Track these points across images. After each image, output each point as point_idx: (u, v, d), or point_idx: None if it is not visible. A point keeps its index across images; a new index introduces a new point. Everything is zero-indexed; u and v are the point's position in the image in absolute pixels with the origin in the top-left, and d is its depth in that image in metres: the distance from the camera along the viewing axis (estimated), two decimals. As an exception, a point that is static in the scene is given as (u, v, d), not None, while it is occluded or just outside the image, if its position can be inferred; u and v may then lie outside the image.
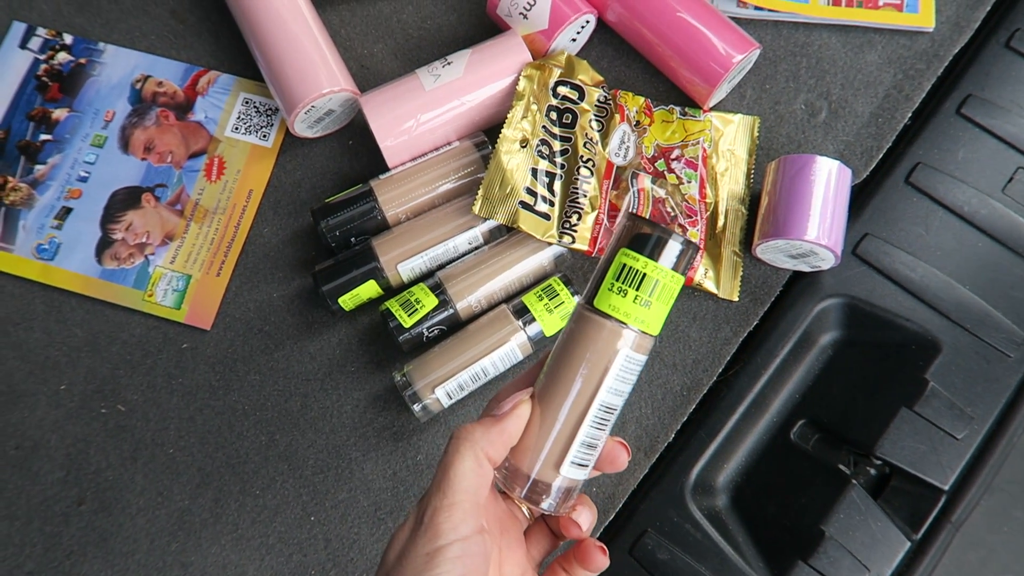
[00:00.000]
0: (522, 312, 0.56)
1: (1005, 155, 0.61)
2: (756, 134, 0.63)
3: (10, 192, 0.63)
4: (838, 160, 0.57)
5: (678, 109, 0.62)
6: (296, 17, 0.61)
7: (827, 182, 0.56)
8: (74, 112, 0.65)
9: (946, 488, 0.54)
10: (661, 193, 0.59)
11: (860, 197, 0.61)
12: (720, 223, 0.60)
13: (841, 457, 0.57)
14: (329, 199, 0.60)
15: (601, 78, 0.62)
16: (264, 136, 0.64)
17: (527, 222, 0.57)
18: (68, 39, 0.66)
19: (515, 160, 0.58)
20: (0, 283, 0.62)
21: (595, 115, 0.61)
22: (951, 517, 0.54)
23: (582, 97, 0.61)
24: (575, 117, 0.60)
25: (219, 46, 0.67)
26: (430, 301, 0.56)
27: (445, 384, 0.55)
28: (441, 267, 0.59)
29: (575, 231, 0.58)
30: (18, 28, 0.67)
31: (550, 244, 0.58)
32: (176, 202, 0.63)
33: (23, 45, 0.66)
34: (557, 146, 0.60)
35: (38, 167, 0.64)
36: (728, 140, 0.62)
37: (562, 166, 0.59)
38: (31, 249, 0.62)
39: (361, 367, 0.60)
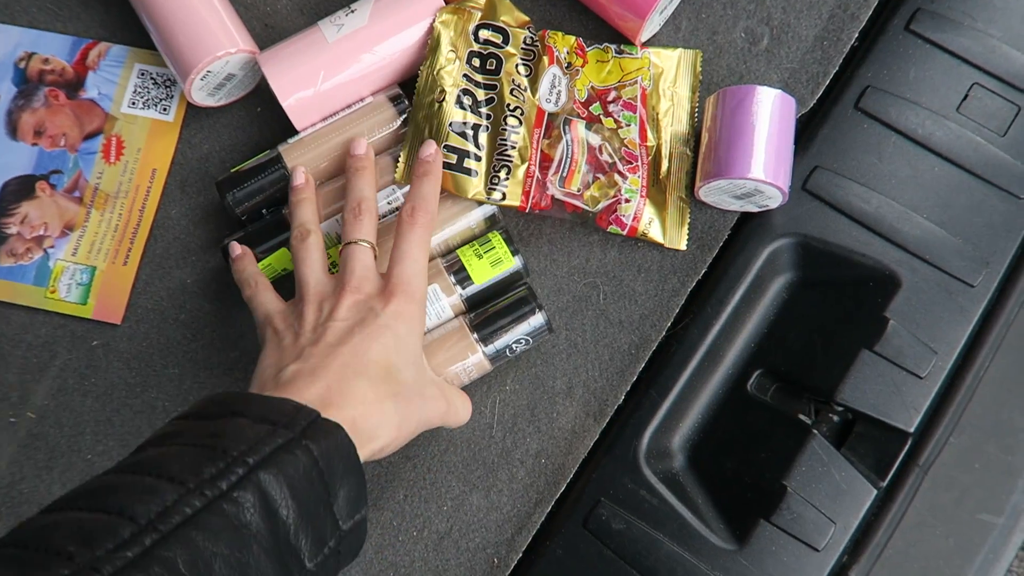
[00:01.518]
0: (450, 259, 0.53)
1: (959, 71, 0.57)
2: (699, 69, 0.58)
3: None
4: (781, 88, 0.53)
5: (613, 47, 0.58)
6: None
7: (769, 114, 0.52)
8: (-46, 98, 0.59)
9: (911, 431, 0.51)
10: (597, 140, 0.55)
11: (808, 128, 0.57)
12: (664, 167, 0.56)
13: (802, 406, 0.53)
14: (234, 168, 0.55)
15: (527, 18, 0.58)
16: (165, 110, 0.59)
17: (452, 183, 0.53)
18: (-60, 19, 0.61)
19: (434, 118, 0.54)
20: None
21: (522, 59, 0.56)
22: (919, 460, 0.51)
23: (507, 40, 0.56)
24: (500, 63, 0.56)
25: (108, 15, 0.61)
26: None
27: None
28: None
29: (505, 186, 0.54)
30: None
31: (480, 203, 0.54)
32: (74, 189, 0.58)
33: None
34: (481, 95, 0.55)
35: (-82, 161, 0.58)
36: (669, 78, 0.58)
37: (488, 116, 0.55)
38: (-83, 251, 0.57)
39: (287, 351, 0.55)
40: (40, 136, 0.59)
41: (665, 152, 0.56)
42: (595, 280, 0.56)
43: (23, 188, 0.58)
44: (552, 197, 0.54)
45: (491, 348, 0.51)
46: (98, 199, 0.58)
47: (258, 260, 0.53)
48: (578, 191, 0.54)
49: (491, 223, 0.55)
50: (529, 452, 0.53)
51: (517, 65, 0.56)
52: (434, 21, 0.55)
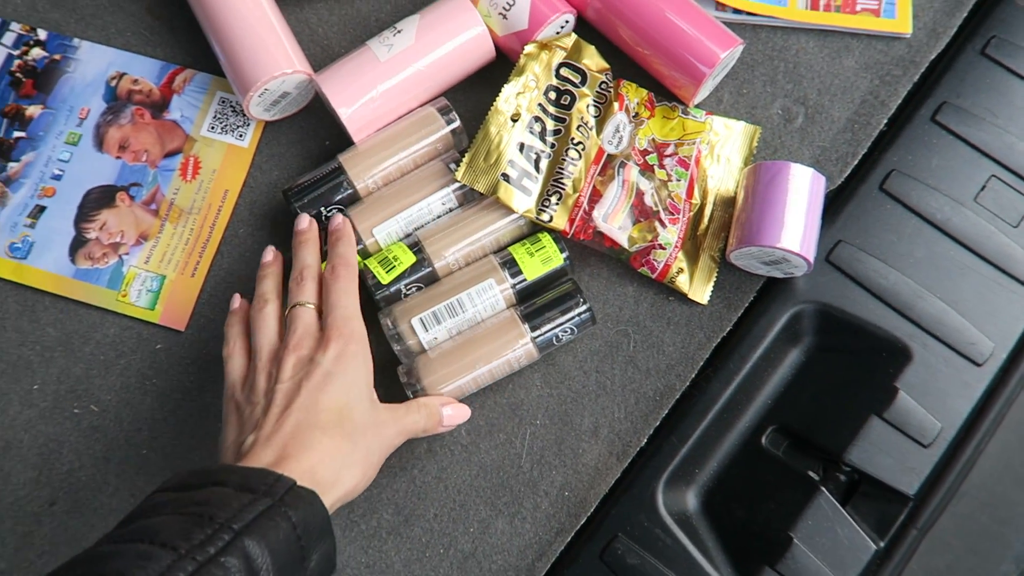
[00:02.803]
0: (503, 256, 0.58)
1: (978, 163, 0.61)
2: (755, 144, 0.63)
3: (-18, 190, 0.63)
4: (813, 167, 0.57)
5: (681, 107, 0.62)
6: (247, 2, 0.60)
7: (801, 189, 0.56)
8: (48, 109, 0.64)
9: (912, 494, 0.55)
10: (647, 186, 0.60)
11: (835, 203, 0.62)
12: (703, 226, 0.60)
13: (811, 464, 0.57)
14: (300, 179, 0.60)
15: (607, 65, 0.62)
16: (240, 136, 0.64)
17: (507, 194, 0.58)
18: (42, 35, 0.66)
19: (505, 133, 0.59)
20: (-28, 282, 0.61)
21: (594, 101, 0.61)
22: (917, 523, 0.55)
23: (584, 81, 0.61)
24: (573, 99, 0.61)
25: (195, 43, 0.66)
26: (408, 258, 0.57)
27: (421, 315, 0.56)
28: (418, 230, 0.60)
29: (555, 210, 0.59)
30: (-9, 23, 0.66)
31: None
32: (151, 201, 0.63)
33: (-4, 40, 0.66)
34: (550, 125, 0.60)
35: (11, 164, 0.63)
36: (727, 145, 0.62)
37: (552, 145, 0.60)
38: (4, 248, 0.61)
39: (335, 369, 0.60)
40: (124, 150, 0.64)
41: (707, 212, 0.61)
42: (627, 328, 0.60)
43: (104, 197, 0.63)
44: (594, 229, 0.59)
45: (540, 337, 0.56)
46: (172, 213, 0.62)
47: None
48: (619, 229, 0.59)
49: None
50: (554, 484, 0.57)
51: (589, 105, 0.61)
52: (522, 51, 0.60)
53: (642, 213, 0.59)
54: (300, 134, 0.64)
